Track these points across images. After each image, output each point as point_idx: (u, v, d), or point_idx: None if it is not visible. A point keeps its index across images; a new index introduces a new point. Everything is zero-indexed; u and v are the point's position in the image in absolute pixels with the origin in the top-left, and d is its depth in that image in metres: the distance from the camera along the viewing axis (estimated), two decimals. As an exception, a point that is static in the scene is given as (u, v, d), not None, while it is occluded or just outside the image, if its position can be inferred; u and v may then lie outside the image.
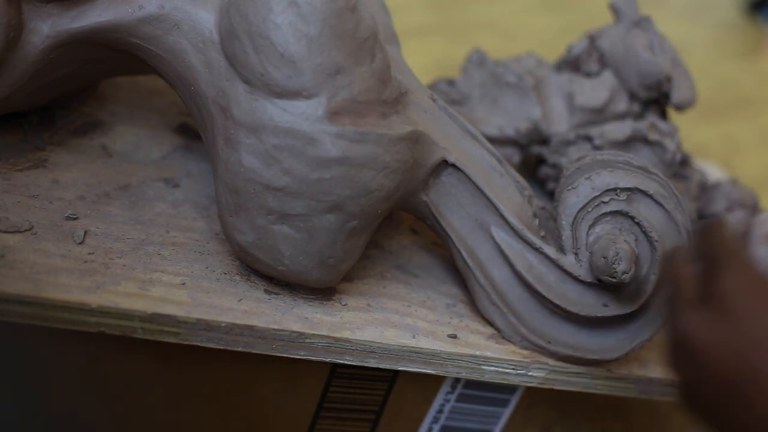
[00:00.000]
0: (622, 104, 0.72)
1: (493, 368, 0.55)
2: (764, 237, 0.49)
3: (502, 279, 0.56)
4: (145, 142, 0.62)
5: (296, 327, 0.51)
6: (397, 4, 0.77)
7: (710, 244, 0.44)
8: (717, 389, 0.40)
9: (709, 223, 0.45)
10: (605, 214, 0.54)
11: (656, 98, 0.73)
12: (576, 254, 0.54)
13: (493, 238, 0.55)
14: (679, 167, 0.79)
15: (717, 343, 0.39)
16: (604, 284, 0.54)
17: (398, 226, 0.65)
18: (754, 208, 0.81)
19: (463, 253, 0.56)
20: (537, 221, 0.58)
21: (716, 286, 0.40)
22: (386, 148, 0.49)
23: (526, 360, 0.56)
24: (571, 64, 0.76)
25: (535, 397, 0.62)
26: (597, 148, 0.69)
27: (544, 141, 0.73)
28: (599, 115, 0.72)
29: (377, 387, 0.59)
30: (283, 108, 0.47)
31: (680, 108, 0.72)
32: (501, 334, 0.57)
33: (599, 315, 0.55)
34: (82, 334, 0.47)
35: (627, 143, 0.70)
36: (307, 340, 0.51)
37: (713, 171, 0.97)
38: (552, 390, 0.57)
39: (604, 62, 0.74)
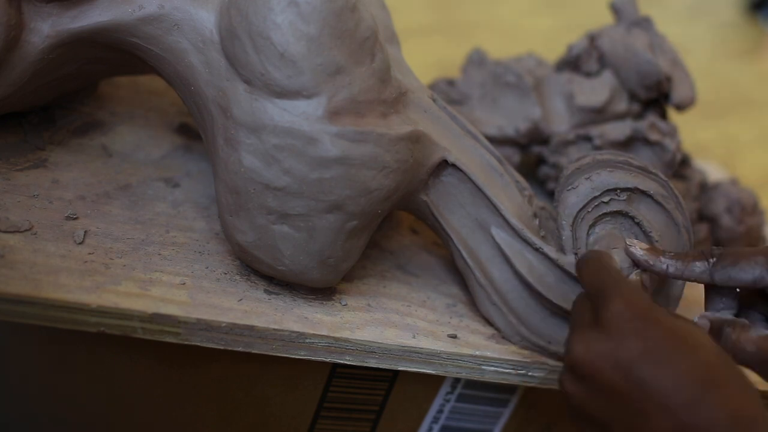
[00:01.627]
0: (622, 104, 0.72)
1: (493, 368, 0.55)
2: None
3: (502, 279, 0.56)
4: (145, 142, 0.62)
5: (296, 327, 0.51)
6: (397, 4, 0.77)
7: (593, 274, 0.47)
8: (608, 405, 0.42)
9: (589, 255, 0.49)
10: (605, 214, 0.54)
11: (656, 98, 0.73)
12: (576, 254, 0.54)
13: (493, 238, 0.55)
14: (679, 167, 0.79)
15: (606, 361, 0.42)
16: (604, 284, 0.54)
17: (398, 226, 0.65)
18: (754, 208, 0.81)
19: (464, 253, 0.56)
20: (537, 221, 0.58)
21: (603, 313, 0.43)
22: (386, 148, 0.49)
23: (526, 360, 0.56)
24: (571, 64, 0.76)
25: (535, 397, 0.62)
26: (597, 148, 0.69)
27: (544, 141, 0.73)
28: (599, 115, 0.72)
29: (377, 387, 0.59)
30: (283, 108, 0.47)
31: (680, 108, 0.72)
32: (501, 334, 0.57)
33: (599, 315, 0.55)
34: (82, 334, 0.47)
35: (627, 143, 0.70)
36: (307, 340, 0.51)
37: (713, 171, 0.97)
38: (552, 390, 0.57)
39: (604, 62, 0.73)
